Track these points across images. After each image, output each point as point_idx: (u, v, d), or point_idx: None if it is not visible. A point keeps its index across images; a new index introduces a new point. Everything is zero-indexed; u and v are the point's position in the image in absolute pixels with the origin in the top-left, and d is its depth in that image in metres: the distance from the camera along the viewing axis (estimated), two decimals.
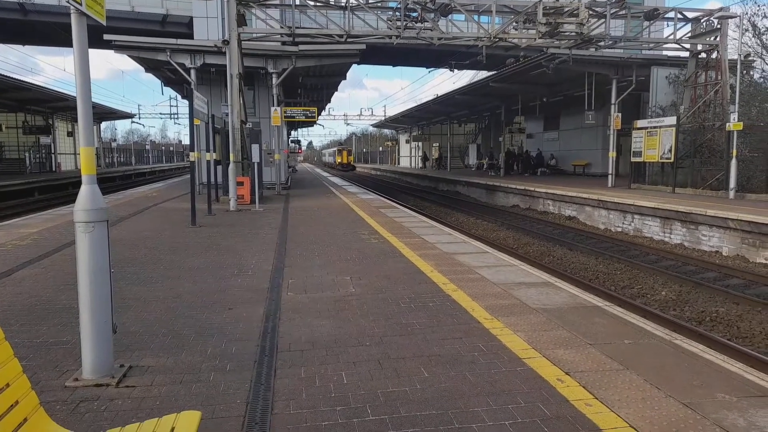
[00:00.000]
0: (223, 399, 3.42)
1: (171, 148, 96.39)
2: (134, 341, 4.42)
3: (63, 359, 4.04)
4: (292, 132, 53.05)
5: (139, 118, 60.57)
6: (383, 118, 63.66)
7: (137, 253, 8.37)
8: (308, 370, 3.88)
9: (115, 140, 65.86)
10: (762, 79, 21.92)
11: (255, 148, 15.78)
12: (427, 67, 37.97)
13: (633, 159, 20.79)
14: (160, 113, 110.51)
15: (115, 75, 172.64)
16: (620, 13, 18.39)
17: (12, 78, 25.66)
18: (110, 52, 21.06)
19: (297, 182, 29.80)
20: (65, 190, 28.28)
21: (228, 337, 4.53)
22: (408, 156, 62.28)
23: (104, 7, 3.86)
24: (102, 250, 3.66)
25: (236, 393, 3.50)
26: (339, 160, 68.55)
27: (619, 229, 16.20)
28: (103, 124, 53.10)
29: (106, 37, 17.43)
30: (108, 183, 34.16)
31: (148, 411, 3.24)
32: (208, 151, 15.08)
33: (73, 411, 3.26)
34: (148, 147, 77.33)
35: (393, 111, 65.22)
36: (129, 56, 19.31)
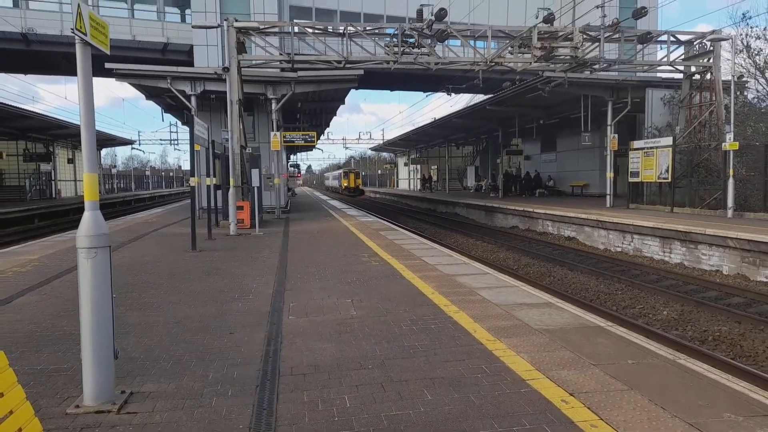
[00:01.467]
0: (225, 424, 3.39)
1: (171, 174, 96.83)
2: (135, 367, 4.39)
3: (64, 386, 4.01)
4: (292, 156, 53.35)
5: (140, 144, 61.02)
6: (381, 142, 64.16)
7: (138, 278, 8.35)
8: (311, 394, 3.85)
9: (115, 166, 66.14)
10: (756, 100, 22.17)
11: (255, 172, 15.87)
12: (424, 92, 38.43)
13: (630, 179, 20.89)
14: (161, 139, 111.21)
15: (115, 102, 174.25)
16: (614, 36, 18.68)
17: (13, 107, 25.87)
18: (110, 80, 21.28)
19: (296, 206, 29.87)
20: (65, 216, 28.31)
21: (229, 362, 4.51)
22: (407, 179, 62.60)
23: (108, 37, 3.94)
24: (104, 275, 3.67)
25: (238, 418, 3.47)
26: (345, 184, 62.06)
27: (619, 249, 16.20)
28: (104, 151, 53.47)
29: (107, 65, 17.64)
30: (108, 209, 34.21)
31: None
32: (208, 176, 15.14)
33: None
34: (147, 173, 77.68)
35: (391, 135, 64.95)
36: (130, 84, 19.52)
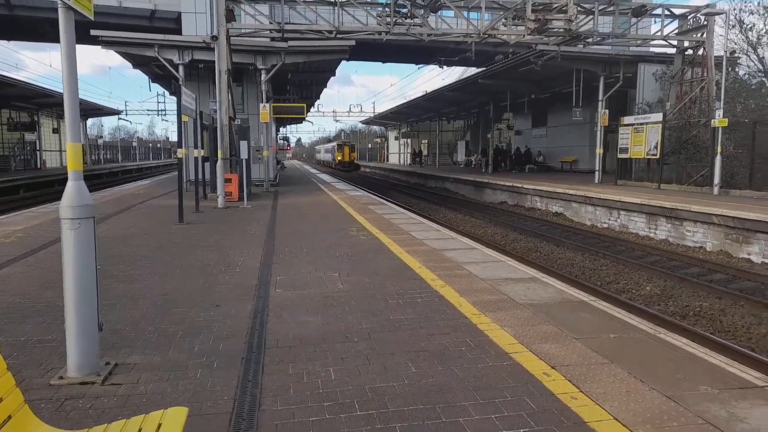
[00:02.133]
0: (210, 395, 3.42)
1: (158, 145, 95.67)
2: (120, 339, 4.40)
3: (48, 357, 4.01)
4: (281, 129, 52.86)
5: (126, 114, 60.16)
6: (372, 115, 63.64)
7: (124, 250, 8.31)
8: (296, 366, 3.88)
9: (101, 137, 65.09)
10: (747, 76, 22.17)
11: (243, 144, 15.71)
12: (416, 64, 37.89)
13: (620, 155, 20.96)
14: (148, 110, 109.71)
15: (101, 71, 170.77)
16: (608, 9, 18.50)
17: None
18: (96, 48, 20.87)
19: (285, 179, 29.73)
20: (51, 187, 27.97)
21: (215, 335, 4.53)
22: (397, 153, 62.31)
23: (92, 2, 3.82)
24: (88, 247, 3.64)
25: (223, 389, 3.50)
26: (339, 158, 57.30)
27: (606, 225, 16.34)
28: (90, 121, 52.62)
29: (93, 32, 17.24)
30: (94, 180, 33.82)
31: (134, 408, 3.24)
32: (196, 147, 14.98)
33: (59, 409, 3.25)
34: (135, 144, 76.70)
35: (382, 107, 64.31)
36: (116, 52, 19.12)
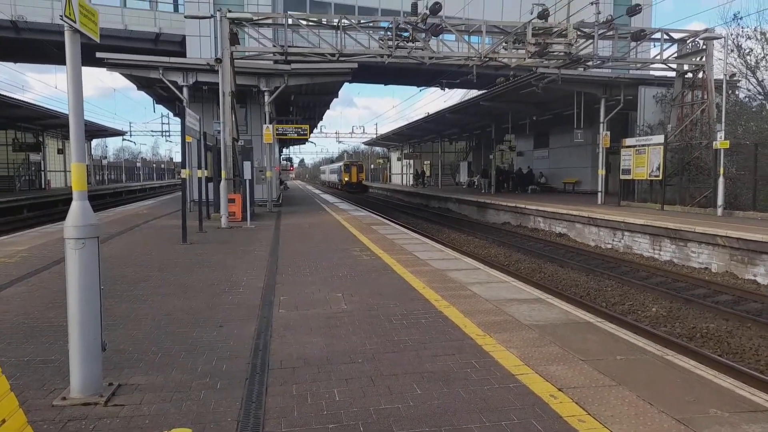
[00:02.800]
0: (213, 417, 3.38)
1: (162, 166, 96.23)
2: (124, 359, 4.37)
3: (51, 378, 3.98)
4: (284, 149, 53.18)
5: (131, 135, 60.50)
6: (375, 136, 63.97)
7: (127, 270, 8.30)
8: (300, 387, 3.84)
9: (105, 158, 65.57)
10: (747, 99, 22.29)
11: (247, 165, 15.79)
12: (418, 86, 38.32)
13: (622, 177, 20.98)
14: (152, 131, 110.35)
15: (106, 93, 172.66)
16: (608, 33, 18.71)
17: (2, 95, 25.57)
18: (101, 70, 21.08)
19: (288, 199, 29.78)
20: (55, 207, 28.07)
21: (219, 355, 4.49)
22: (399, 173, 62.45)
23: (98, 25, 3.88)
24: (92, 266, 3.64)
25: (227, 411, 3.46)
26: (346, 179, 53.69)
27: (610, 246, 16.29)
28: (94, 142, 53.00)
29: (98, 55, 17.47)
30: (98, 200, 33.96)
31: (138, 430, 3.20)
32: (199, 168, 15.05)
33: (61, 430, 3.21)
34: (138, 164, 77.12)
35: (384, 129, 64.27)
36: (121, 74, 19.33)
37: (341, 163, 60.15)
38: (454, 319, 5.54)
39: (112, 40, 26.39)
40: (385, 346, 4.73)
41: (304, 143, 62.15)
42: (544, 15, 17.61)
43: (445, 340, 4.88)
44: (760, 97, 21.52)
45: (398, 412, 3.45)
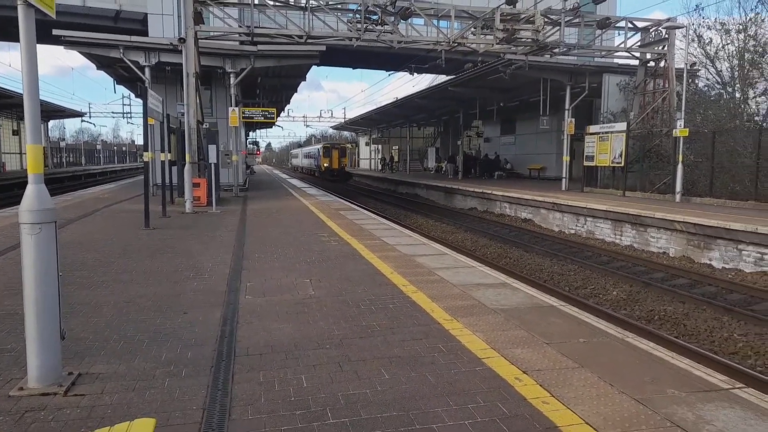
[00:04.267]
0: (178, 405, 3.32)
1: (124, 148, 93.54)
2: (84, 348, 4.25)
3: (7, 368, 3.85)
4: (251, 133, 52.30)
5: (90, 117, 58.51)
6: (343, 121, 63.54)
7: (87, 256, 8.07)
8: (267, 374, 3.81)
9: (63, 140, 63.26)
10: (706, 88, 22.93)
11: (212, 148, 15.46)
12: (387, 70, 38.07)
13: (586, 163, 21.40)
14: (113, 112, 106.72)
15: (63, 72, 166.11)
16: (574, 21, 18.93)
17: None
18: (58, 48, 20.28)
19: (255, 184, 29.40)
20: (10, 191, 27.03)
21: (183, 342, 4.42)
22: (368, 158, 62.33)
23: (54, 0, 3.71)
24: (49, 252, 3.51)
25: (192, 399, 3.41)
26: (326, 164, 45.46)
27: (573, 231, 16.64)
28: (51, 123, 51.11)
29: (55, 32, 16.79)
30: (56, 184, 32.83)
31: (99, 420, 3.12)
32: (162, 151, 14.68)
33: (18, 422, 3.11)
34: (99, 147, 74.82)
35: (352, 113, 63.13)
36: (80, 53, 18.64)
37: (320, 146, 50.55)
38: (422, 304, 5.57)
39: (70, 17, 25.34)
40: (354, 332, 4.73)
41: (271, 127, 61.13)
42: (512, 1, 17.68)
43: (413, 325, 4.92)
44: (718, 87, 22.15)
45: (366, 397, 3.46)
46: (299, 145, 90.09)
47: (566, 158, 22.42)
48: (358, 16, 17.50)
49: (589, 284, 10.74)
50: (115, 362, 3.98)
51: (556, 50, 19.41)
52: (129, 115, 57.93)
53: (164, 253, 8.38)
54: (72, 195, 20.26)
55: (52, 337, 3.53)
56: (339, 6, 18.41)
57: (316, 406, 3.35)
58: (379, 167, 54.98)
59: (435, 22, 18.67)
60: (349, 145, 53.91)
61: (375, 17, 17.49)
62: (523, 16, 17.68)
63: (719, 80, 22.07)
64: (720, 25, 21.36)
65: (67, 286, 5.84)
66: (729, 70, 21.52)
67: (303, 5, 17.48)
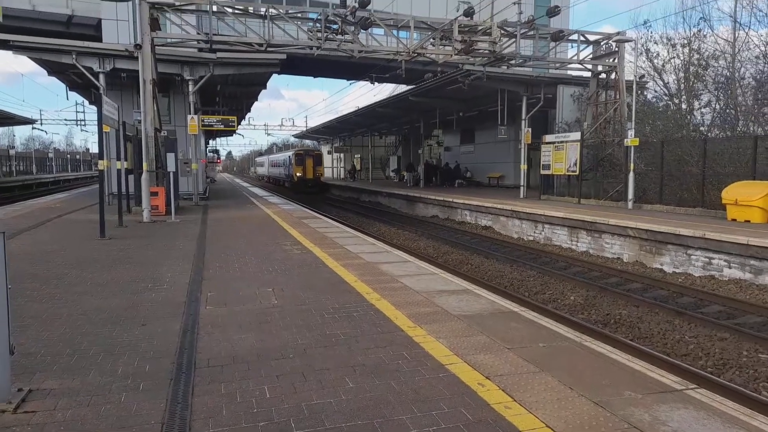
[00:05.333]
0: (135, 421, 3.23)
1: (78, 157, 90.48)
2: (35, 363, 4.08)
3: None
4: (211, 141, 51.42)
5: (41, 124, 56.29)
6: (305, 129, 63.20)
7: (38, 267, 7.76)
8: (229, 385, 3.75)
9: (13, 147, 60.70)
10: (654, 99, 23.86)
11: (171, 156, 15.16)
12: (347, 79, 38.08)
13: (542, 171, 21.92)
14: (66, 119, 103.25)
15: (12, 78, 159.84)
16: (529, 33, 19.41)
17: None
18: (6, 54, 19.55)
19: (216, 192, 28.91)
20: None
21: (141, 355, 4.30)
22: (330, 167, 62.06)
23: None
24: None
25: (150, 413, 3.32)
26: (298, 174, 40.50)
27: (531, 238, 16.98)
28: (0, 130, 49.08)
29: (2, 36, 16.17)
30: (5, 193, 31.51)
31: None
32: (119, 159, 14.30)
33: None
34: (51, 155, 72.11)
35: (314, 122, 62.88)
36: (30, 58, 17.99)
37: (291, 153, 44.93)
38: (386, 312, 5.58)
39: (19, 21, 24.47)
40: (317, 341, 4.70)
41: (232, 135, 60.26)
42: (469, 13, 18.01)
43: (377, 333, 4.92)
44: (665, 98, 23.09)
45: (330, 407, 3.44)
46: (260, 153, 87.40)
47: (524, 167, 22.91)
48: (318, 25, 17.50)
49: (547, 289, 10.97)
50: (68, 377, 3.84)
51: (513, 62, 19.87)
52: (83, 123, 56.09)
53: (121, 264, 8.14)
54: (22, 204, 19.45)
55: (1, 352, 3.38)
56: (299, 15, 18.38)
57: (280, 417, 3.30)
58: (342, 176, 54.83)
59: (395, 32, 18.86)
60: (323, 153, 48.97)
61: (335, 26, 17.52)
62: (480, 27, 18.05)
63: (666, 92, 23.02)
64: (666, 39, 22.32)
65: (16, 299, 5.60)
66: (675, 82, 22.47)
67: (262, 13, 17.36)
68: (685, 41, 21.59)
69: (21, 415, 3.27)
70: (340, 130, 50.79)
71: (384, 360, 4.25)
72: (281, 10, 17.67)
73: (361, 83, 37.10)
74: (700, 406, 3.52)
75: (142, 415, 3.29)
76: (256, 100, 30.61)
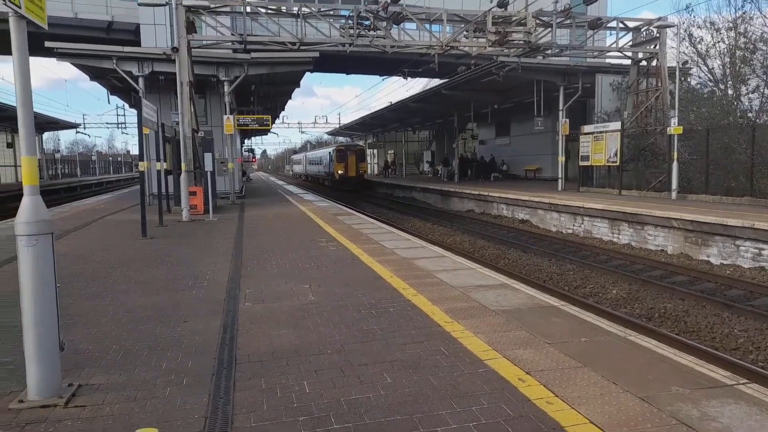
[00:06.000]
0: (180, 415, 3.30)
1: (119, 159, 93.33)
2: (83, 359, 4.22)
3: (6, 381, 3.81)
4: (246, 140, 52.27)
5: (84, 128, 58.44)
6: (338, 126, 63.56)
7: (85, 267, 8.02)
8: (269, 381, 3.79)
9: (58, 151, 63.09)
10: (698, 86, 23.03)
11: (208, 156, 15.45)
12: (380, 75, 38.14)
13: (581, 163, 21.45)
14: (107, 123, 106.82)
15: (56, 84, 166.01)
16: (566, 22, 18.99)
17: None
18: (50, 61, 20.28)
19: (252, 191, 29.35)
20: (4, 203, 26.91)
21: (184, 351, 4.39)
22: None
23: (45, 11, 3.69)
24: (47, 264, 3.49)
25: (194, 408, 3.38)
26: (340, 171, 37.54)
27: (570, 231, 16.65)
28: (45, 135, 51.04)
29: (47, 44, 16.76)
30: (52, 195, 32.71)
31: (101, 431, 3.09)
32: (158, 160, 14.66)
33: None
34: (94, 158, 74.60)
35: (346, 119, 63.19)
36: (72, 64, 18.62)
37: (331, 149, 41.74)
38: (422, 307, 5.55)
39: (62, 29, 25.32)
40: (354, 336, 4.71)
41: (266, 134, 61.15)
42: (503, 4, 17.75)
43: (414, 328, 4.90)
44: (710, 84, 22.25)
45: (369, 402, 3.44)
46: (295, 151, 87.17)
47: (561, 158, 22.46)
48: (350, 22, 17.52)
49: (588, 283, 10.74)
50: (115, 373, 3.95)
51: (549, 51, 19.47)
52: (123, 126, 57.91)
53: (162, 263, 8.35)
54: (68, 206, 20.18)
55: (51, 349, 3.51)
56: (331, 12, 18.46)
57: (319, 411, 3.32)
58: (376, 172, 54.90)
59: (427, 26, 18.71)
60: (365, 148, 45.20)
61: (367, 23, 17.52)
62: (514, 18, 17.74)
63: (711, 78, 22.17)
64: (710, 23, 21.49)
65: (65, 298, 5.80)
66: (721, 67, 21.62)
67: (295, 12, 17.49)
68: (731, 25, 20.75)
69: (71, 409, 3.38)
70: (373, 126, 50.86)
71: (422, 355, 4.23)
72: (313, 9, 17.76)
73: (394, 79, 36.98)
74: (752, 402, 3.37)
75: (186, 410, 3.36)
76: (290, 98, 30.94)
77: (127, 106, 42.12)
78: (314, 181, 50.40)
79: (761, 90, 20.06)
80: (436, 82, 33.50)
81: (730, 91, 20.87)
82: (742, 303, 8.70)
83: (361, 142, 60.81)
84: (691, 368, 3.93)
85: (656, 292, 9.78)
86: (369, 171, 52.33)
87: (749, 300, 8.91)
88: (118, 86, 21.44)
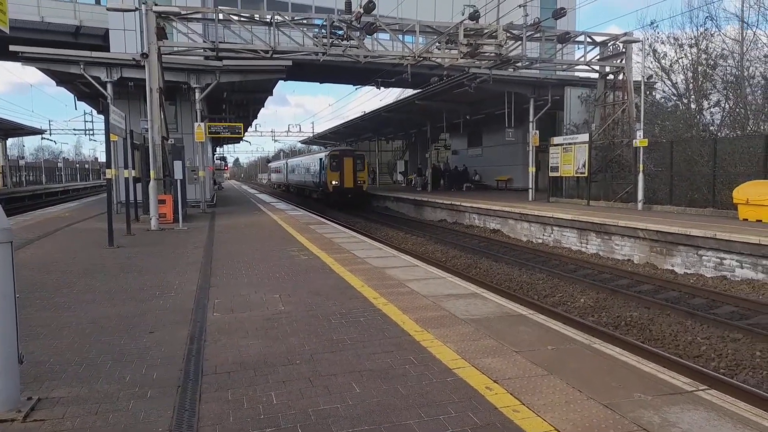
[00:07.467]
0: (143, 428, 3.23)
1: (86, 166, 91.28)
2: (44, 371, 4.10)
3: None
4: (218, 148, 51.69)
5: (50, 134, 56.93)
6: (312, 135, 63.41)
7: (47, 277, 7.81)
8: (236, 392, 3.74)
9: (23, 158, 61.35)
10: (662, 99, 23.72)
11: (178, 164, 15.23)
12: (353, 84, 38.29)
13: (551, 174, 21.83)
14: (74, 129, 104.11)
15: (21, 89, 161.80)
16: (535, 35, 19.40)
17: None
18: (15, 65, 19.79)
19: (223, 199, 29.04)
20: None
21: (149, 363, 4.30)
22: None
23: (7, 15, 3.62)
24: (5, 273, 3.39)
25: (158, 421, 3.32)
26: (334, 182, 30.96)
27: (540, 241, 16.90)
28: (9, 141, 49.65)
29: (12, 48, 16.38)
30: (15, 203, 31.73)
31: None
32: (126, 168, 14.40)
33: None
34: (60, 165, 72.81)
35: (320, 127, 63.19)
36: (38, 69, 18.21)
37: (323, 154, 33.82)
38: (393, 316, 5.56)
39: (28, 33, 24.78)
40: (324, 346, 4.69)
41: (239, 142, 60.44)
42: (475, 16, 18.05)
43: (384, 338, 4.90)
44: (674, 98, 22.96)
45: (337, 412, 3.42)
46: (269, 160, 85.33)
47: (532, 169, 22.82)
48: (323, 31, 17.57)
49: (557, 292, 10.90)
50: (77, 385, 3.85)
51: (519, 64, 19.85)
52: (91, 132, 56.61)
53: (129, 272, 8.18)
54: (32, 214, 19.63)
55: (10, 361, 3.40)
56: (304, 21, 18.47)
57: (286, 423, 3.29)
58: None
59: (400, 36, 18.89)
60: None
61: (341, 32, 17.60)
62: (486, 31, 18.05)
63: (675, 92, 22.88)
64: (674, 39, 22.21)
65: (25, 309, 5.65)
66: (684, 82, 22.33)
67: (268, 21, 17.46)
68: (693, 41, 21.47)
69: (30, 424, 3.28)
70: (347, 135, 50.90)
71: (391, 365, 4.24)
72: (287, 17, 17.77)
73: (367, 88, 37.10)
74: (711, 407, 3.47)
75: (149, 422, 3.29)
76: (263, 106, 30.80)
77: (95, 112, 41.26)
78: (298, 192, 43.19)
79: (722, 104, 20.78)
80: (409, 92, 33.75)
81: (692, 105, 21.56)
82: (704, 311, 8.94)
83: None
84: (654, 375, 4.02)
85: (623, 300, 9.98)
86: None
87: (711, 308, 9.16)
88: (86, 92, 21.03)
